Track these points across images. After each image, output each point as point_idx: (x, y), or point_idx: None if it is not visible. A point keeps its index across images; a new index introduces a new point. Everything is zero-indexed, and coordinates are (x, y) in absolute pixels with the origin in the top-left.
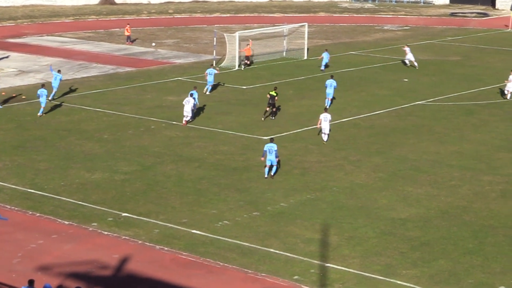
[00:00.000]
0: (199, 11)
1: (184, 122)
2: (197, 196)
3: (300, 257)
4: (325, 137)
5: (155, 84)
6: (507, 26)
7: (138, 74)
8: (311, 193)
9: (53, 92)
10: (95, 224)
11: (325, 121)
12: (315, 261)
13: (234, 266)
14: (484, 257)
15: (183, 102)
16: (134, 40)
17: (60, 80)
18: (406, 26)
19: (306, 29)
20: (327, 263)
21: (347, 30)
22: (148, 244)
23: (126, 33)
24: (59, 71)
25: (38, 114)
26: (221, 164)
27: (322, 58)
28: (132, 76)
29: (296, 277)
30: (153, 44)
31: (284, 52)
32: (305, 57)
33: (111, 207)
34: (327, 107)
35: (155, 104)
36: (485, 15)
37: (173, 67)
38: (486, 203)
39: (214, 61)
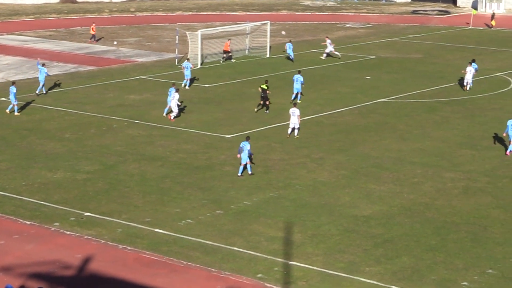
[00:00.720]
0: (161, 10)
1: (171, 118)
2: (160, 195)
3: (264, 255)
4: (290, 131)
5: (117, 82)
6: (468, 23)
7: (99, 73)
8: (274, 191)
9: (40, 86)
10: (57, 224)
11: (293, 116)
12: (279, 259)
13: (197, 265)
14: (446, 253)
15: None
16: (99, 39)
17: (46, 74)
18: (368, 24)
19: (268, 27)
20: (291, 261)
21: (309, 28)
22: (111, 243)
23: (92, 32)
24: (43, 65)
25: (7, 110)
26: (184, 162)
27: (286, 49)
28: (94, 75)
29: (259, 275)
30: (115, 42)
31: (247, 50)
32: (268, 55)
33: (73, 207)
34: (297, 101)
35: (117, 103)
36: (447, 12)
37: (135, 66)
38: (448, 200)
39: (176, 60)
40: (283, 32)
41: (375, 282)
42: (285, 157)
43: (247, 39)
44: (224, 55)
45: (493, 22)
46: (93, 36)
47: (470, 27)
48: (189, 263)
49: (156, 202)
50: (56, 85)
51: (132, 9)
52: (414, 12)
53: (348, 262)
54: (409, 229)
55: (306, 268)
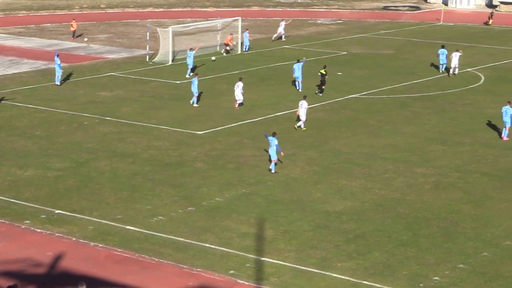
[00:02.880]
0: (131, 6)
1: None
2: (132, 192)
3: (236, 252)
4: (299, 123)
5: (88, 79)
6: (438, 19)
7: (70, 70)
8: (246, 188)
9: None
10: (28, 221)
11: (300, 108)
12: (251, 255)
13: (169, 262)
14: (418, 248)
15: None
16: (79, 35)
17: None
18: (339, 20)
19: (239, 23)
20: (263, 257)
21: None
22: (82, 241)
23: (72, 28)
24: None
25: None
26: (155, 159)
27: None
28: (65, 71)
29: (231, 271)
30: (86, 39)
31: (218, 47)
32: (239, 51)
33: (44, 204)
34: (299, 90)
35: (88, 99)
36: (417, 8)
37: (105, 63)
38: (419, 195)
39: (148, 56)
40: (86, 39)
41: (347, 278)
42: (257, 153)
43: (218, 35)
44: (227, 48)
45: (490, 21)
46: (74, 32)
47: (441, 23)
48: (160, 260)
49: (127, 199)
50: (2, 86)
51: (102, 6)
52: (385, 8)
53: (320, 258)
54: (381, 224)
55: (278, 264)
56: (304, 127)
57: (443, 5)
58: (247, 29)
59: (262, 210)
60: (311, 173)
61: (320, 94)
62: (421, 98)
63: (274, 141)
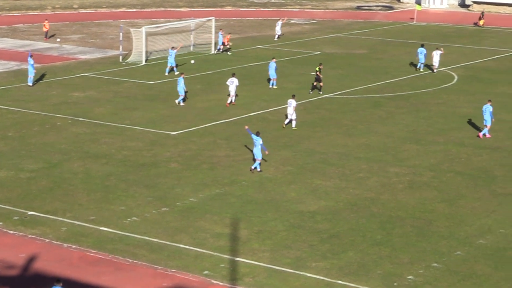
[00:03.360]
0: (104, 6)
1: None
2: (105, 193)
3: (210, 252)
4: (287, 122)
5: (61, 80)
6: (412, 19)
7: (43, 70)
8: (220, 188)
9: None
10: (1, 223)
11: (289, 107)
12: (225, 256)
13: (143, 263)
14: (392, 248)
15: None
16: (52, 36)
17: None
18: (313, 20)
19: (213, 24)
20: (237, 257)
21: (254, 24)
22: (55, 242)
23: (44, 29)
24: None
25: None
26: (129, 160)
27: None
28: (37, 72)
29: (206, 272)
30: (58, 39)
31: (191, 47)
32: (213, 51)
33: (16, 206)
34: (273, 87)
35: (61, 100)
36: (390, 8)
37: (78, 63)
38: (393, 195)
39: (121, 57)
40: (58, 39)
41: (321, 277)
42: (231, 153)
43: (191, 35)
44: (227, 46)
45: (481, 22)
46: (46, 33)
47: (414, 22)
48: (134, 261)
49: (101, 200)
50: None
51: (75, 6)
52: (358, 7)
53: (295, 258)
54: (355, 224)
55: (253, 264)
56: (295, 127)
57: (417, 5)
58: (221, 29)
59: (236, 210)
60: (285, 173)
61: (311, 92)
62: (394, 97)
63: (258, 141)
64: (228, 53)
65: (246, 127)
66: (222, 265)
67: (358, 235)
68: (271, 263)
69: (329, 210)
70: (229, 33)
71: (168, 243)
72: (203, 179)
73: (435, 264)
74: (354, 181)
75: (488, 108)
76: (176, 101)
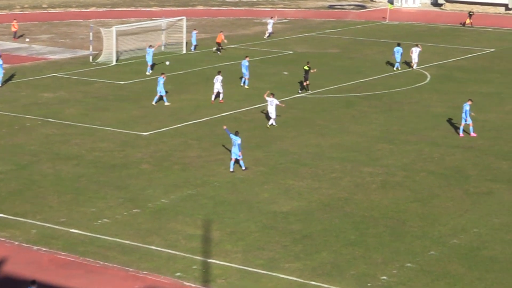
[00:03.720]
0: (74, 6)
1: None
2: (76, 195)
3: (182, 254)
4: (270, 121)
5: (30, 80)
6: (384, 18)
7: (12, 71)
8: (192, 189)
9: None
10: None
11: (270, 105)
12: (198, 257)
13: (114, 265)
14: (365, 248)
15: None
16: (21, 36)
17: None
18: (285, 19)
19: (184, 23)
20: (210, 258)
21: (226, 24)
22: (25, 245)
23: (13, 29)
24: None
25: None
26: (100, 161)
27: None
28: (6, 73)
29: (178, 274)
30: (27, 39)
31: (163, 47)
32: (184, 51)
33: None
34: (244, 85)
35: (31, 101)
36: (363, 7)
37: (48, 63)
38: (367, 194)
39: (91, 57)
40: (27, 39)
41: (294, 278)
42: (203, 154)
43: (163, 35)
44: (219, 47)
45: (467, 20)
46: (15, 33)
47: (387, 21)
48: (106, 263)
49: (71, 202)
50: None
51: (44, 5)
52: (330, 7)
53: (268, 259)
54: (328, 224)
55: (225, 265)
56: (275, 124)
57: (390, 4)
58: (195, 29)
59: (209, 211)
60: (257, 174)
61: (300, 92)
62: (367, 97)
63: (237, 140)
64: (218, 52)
65: (224, 127)
66: (195, 267)
67: (332, 235)
68: (244, 264)
69: (302, 210)
70: (221, 31)
71: (140, 245)
72: (174, 180)
73: (408, 264)
74: (327, 181)
75: (465, 106)
76: (153, 102)
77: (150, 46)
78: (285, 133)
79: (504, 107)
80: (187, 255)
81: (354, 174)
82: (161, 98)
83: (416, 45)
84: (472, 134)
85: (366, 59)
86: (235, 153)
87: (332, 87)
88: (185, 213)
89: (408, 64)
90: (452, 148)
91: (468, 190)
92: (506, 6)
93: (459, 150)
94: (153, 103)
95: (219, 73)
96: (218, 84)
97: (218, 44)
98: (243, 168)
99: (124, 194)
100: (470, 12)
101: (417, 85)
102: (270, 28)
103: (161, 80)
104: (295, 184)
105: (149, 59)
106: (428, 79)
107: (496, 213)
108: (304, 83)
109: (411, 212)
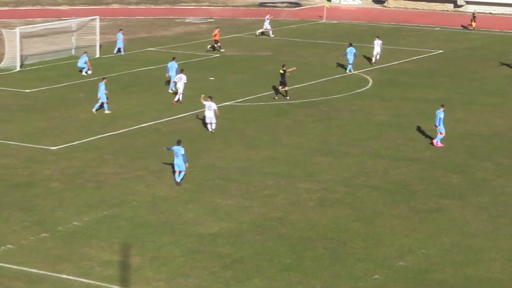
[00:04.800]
0: None
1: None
2: None
3: (97, 283)
4: (209, 127)
5: None
6: (321, 17)
7: None
8: (108, 209)
9: None
10: None
11: (209, 110)
12: (115, 287)
13: None
14: (303, 273)
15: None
16: None
17: None
18: (210, 18)
19: (97, 23)
20: (129, 287)
21: (145, 24)
22: None
23: None
24: None
25: None
26: (2, 179)
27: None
28: None
29: None
30: None
31: (73, 50)
32: (98, 55)
33: None
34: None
35: None
36: (297, 5)
37: None
38: (303, 213)
39: None
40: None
41: None
42: (119, 170)
43: (73, 37)
44: (216, 45)
45: (473, 24)
46: None
47: (324, 20)
48: None
49: None
50: None
51: None
52: (261, 4)
53: (194, 287)
54: (261, 247)
55: None
56: (213, 130)
57: (326, 1)
58: (121, 29)
59: (127, 234)
60: (181, 192)
61: (275, 98)
62: (303, 104)
63: (180, 150)
64: (222, 50)
65: (165, 148)
66: None
67: (265, 259)
68: None
69: (232, 232)
70: (217, 27)
71: (49, 273)
72: (88, 200)
73: None
74: (259, 199)
75: (439, 113)
76: (93, 109)
77: (85, 53)
78: (212, 146)
79: (453, 115)
80: (103, 284)
81: (289, 190)
82: (102, 105)
83: (377, 37)
84: (437, 143)
85: (301, 62)
86: (178, 165)
87: (263, 93)
88: (100, 237)
89: (369, 59)
90: (397, 161)
91: (415, 207)
92: (455, 3)
93: (404, 163)
94: (93, 110)
95: (182, 71)
96: (180, 84)
97: (216, 41)
98: (178, 180)
99: (31, 217)
100: (473, 13)
101: (358, 91)
102: (267, 25)
103: (102, 85)
104: (223, 203)
105: (82, 63)
106: (370, 84)
107: (446, 232)
108: (280, 88)
109: (352, 232)
